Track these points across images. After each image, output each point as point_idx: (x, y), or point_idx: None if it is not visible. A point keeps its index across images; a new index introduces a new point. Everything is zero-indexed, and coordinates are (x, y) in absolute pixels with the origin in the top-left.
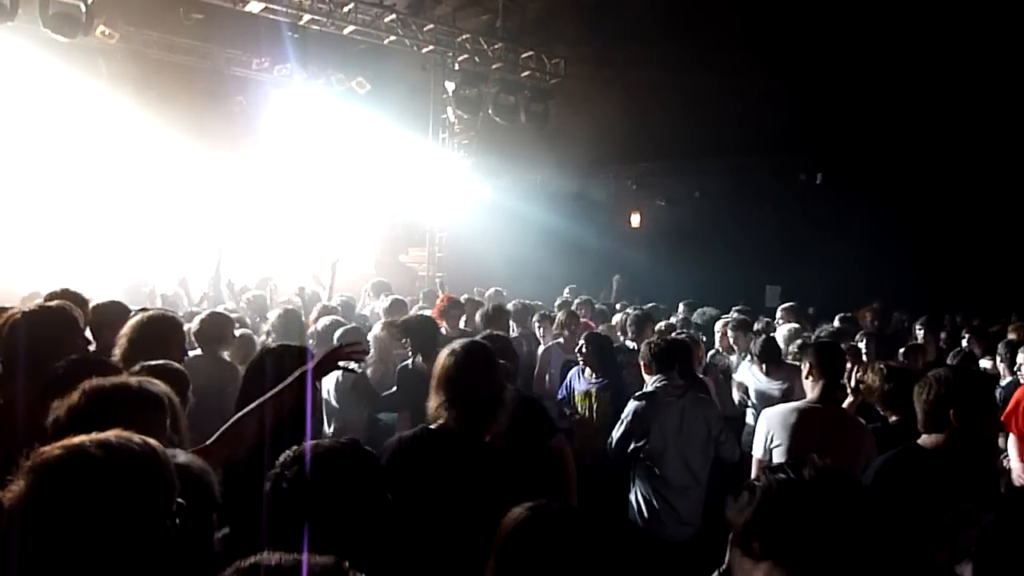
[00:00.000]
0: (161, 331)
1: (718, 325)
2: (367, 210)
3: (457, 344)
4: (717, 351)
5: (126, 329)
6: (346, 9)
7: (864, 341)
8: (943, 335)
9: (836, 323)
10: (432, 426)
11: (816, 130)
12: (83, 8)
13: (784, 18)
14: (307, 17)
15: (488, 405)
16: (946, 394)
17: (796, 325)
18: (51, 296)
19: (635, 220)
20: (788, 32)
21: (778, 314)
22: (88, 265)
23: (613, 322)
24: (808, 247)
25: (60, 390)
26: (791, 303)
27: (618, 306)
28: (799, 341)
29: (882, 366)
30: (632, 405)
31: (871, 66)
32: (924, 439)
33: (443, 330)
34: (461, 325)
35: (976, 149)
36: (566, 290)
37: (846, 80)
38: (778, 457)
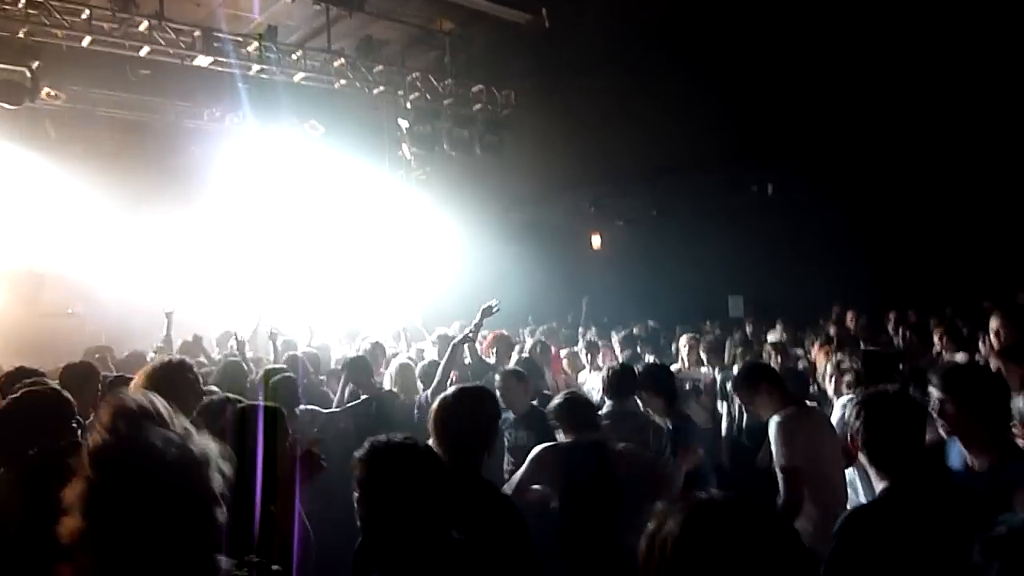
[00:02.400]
0: (175, 377)
1: (683, 340)
2: (328, 253)
3: (451, 390)
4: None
5: (139, 379)
6: (295, 56)
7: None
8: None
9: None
10: None
11: (763, 143)
12: (28, 74)
13: (720, 38)
14: (256, 67)
15: (474, 443)
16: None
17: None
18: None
19: (596, 242)
20: (725, 51)
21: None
22: (48, 332)
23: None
24: (765, 256)
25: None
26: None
27: (585, 331)
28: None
29: None
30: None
31: (809, 76)
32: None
33: (491, 359)
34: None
35: (921, 148)
36: (530, 320)
37: (786, 92)
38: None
